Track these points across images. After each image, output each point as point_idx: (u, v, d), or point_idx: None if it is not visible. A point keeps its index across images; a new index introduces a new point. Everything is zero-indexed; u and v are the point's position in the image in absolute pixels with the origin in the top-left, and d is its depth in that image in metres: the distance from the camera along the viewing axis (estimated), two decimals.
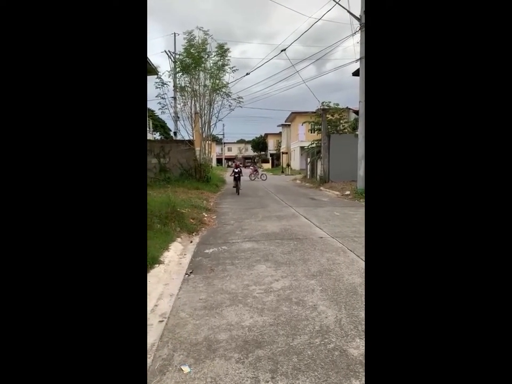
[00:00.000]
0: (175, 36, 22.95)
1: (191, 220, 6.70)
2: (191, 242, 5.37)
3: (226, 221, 7.25)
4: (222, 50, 14.57)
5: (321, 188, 14.90)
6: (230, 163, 52.16)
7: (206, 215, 7.77)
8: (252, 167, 25.14)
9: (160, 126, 34.38)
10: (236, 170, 12.93)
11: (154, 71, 14.21)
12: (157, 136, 33.65)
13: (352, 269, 3.87)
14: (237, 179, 12.79)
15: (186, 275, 3.79)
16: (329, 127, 17.10)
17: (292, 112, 35.78)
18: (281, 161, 42.12)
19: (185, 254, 4.69)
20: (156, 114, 26.62)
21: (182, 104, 15.65)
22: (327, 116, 17.12)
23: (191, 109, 14.96)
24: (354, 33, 11.50)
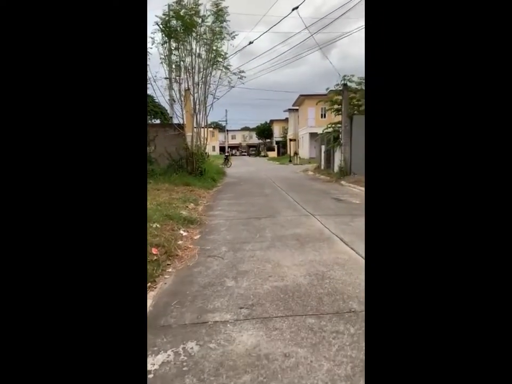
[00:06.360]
0: (169, 7, 19.85)
1: (153, 252, 3.91)
2: None
3: (215, 247, 4.44)
4: (217, 9, 11.54)
5: (342, 182, 12.00)
6: (234, 151, 52.79)
7: (184, 234, 4.98)
8: None
9: (161, 112, 31.44)
10: (226, 154, 24.01)
11: None
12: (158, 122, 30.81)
13: None
14: (227, 159, 23.18)
15: None
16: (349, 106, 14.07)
17: (300, 95, 32.62)
18: (288, 149, 38.92)
19: None
20: (156, 100, 23.69)
21: (171, 81, 12.74)
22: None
23: (179, 85, 12.04)
24: None
